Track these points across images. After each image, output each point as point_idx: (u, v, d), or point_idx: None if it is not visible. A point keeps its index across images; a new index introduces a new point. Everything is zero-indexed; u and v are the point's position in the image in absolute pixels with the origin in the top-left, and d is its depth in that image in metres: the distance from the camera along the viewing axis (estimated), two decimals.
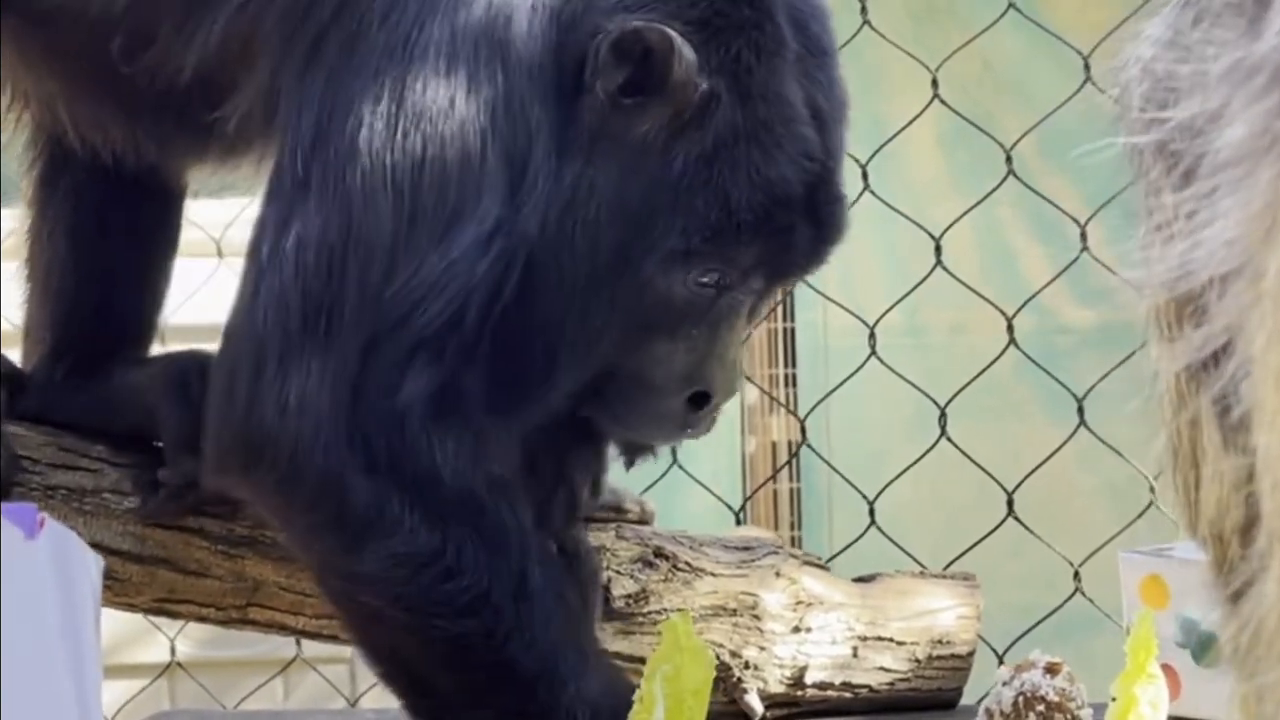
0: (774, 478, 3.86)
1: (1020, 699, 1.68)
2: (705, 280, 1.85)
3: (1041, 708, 1.68)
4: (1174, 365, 0.79)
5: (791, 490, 4.14)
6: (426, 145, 1.78)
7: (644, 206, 1.82)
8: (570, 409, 1.90)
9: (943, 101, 2.61)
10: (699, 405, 1.89)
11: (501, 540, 1.78)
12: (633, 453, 2.02)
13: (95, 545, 1.99)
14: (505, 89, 1.80)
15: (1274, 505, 0.71)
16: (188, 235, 2.34)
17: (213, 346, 2.30)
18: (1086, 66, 2.52)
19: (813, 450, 2.78)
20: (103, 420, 2.10)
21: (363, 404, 1.76)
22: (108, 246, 2.20)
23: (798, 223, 1.87)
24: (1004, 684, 1.70)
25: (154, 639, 3.19)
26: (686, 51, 1.80)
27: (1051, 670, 1.69)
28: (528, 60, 1.81)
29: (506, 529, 1.79)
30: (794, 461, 4.01)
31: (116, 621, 2.66)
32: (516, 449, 1.87)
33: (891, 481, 2.65)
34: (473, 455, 1.79)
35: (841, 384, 2.74)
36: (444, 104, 1.78)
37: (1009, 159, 2.60)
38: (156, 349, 2.33)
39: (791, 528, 4.16)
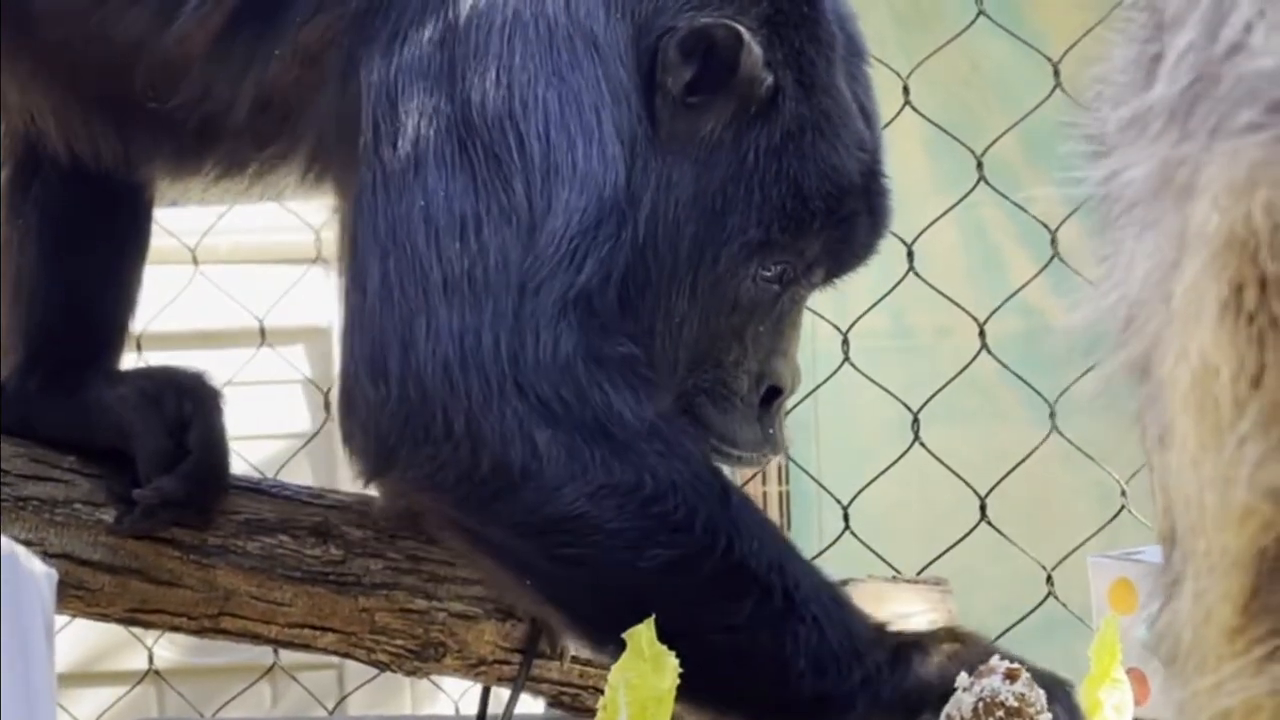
0: (757, 479, 3.85)
1: (980, 705, 1.68)
2: (769, 276, 1.90)
3: (1001, 713, 1.68)
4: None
5: (781, 493, 4.14)
6: (548, 110, 1.79)
7: (719, 201, 1.87)
8: None
9: (914, 109, 2.61)
10: (768, 402, 1.93)
11: (694, 461, 1.75)
12: None
13: (66, 556, 2.01)
14: (605, 72, 1.83)
15: (1185, 524, 0.73)
16: (165, 243, 2.35)
17: (190, 354, 2.32)
18: (1056, 73, 2.52)
19: (790, 459, 2.78)
20: (77, 436, 2.11)
21: (526, 357, 1.71)
22: (79, 254, 2.20)
23: (860, 211, 1.93)
24: (964, 690, 1.70)
25: (139, 646, 3.20)
26: (754, 46, 1.85)
27: (1010, 676, 1.70)
28: (616, 49, 1.85)
29: (693, 453, 1.76)
30: (783, 464, 4.01)
31: (99, 629, 2.67)
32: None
33: (866, 486, 2.65)
34: (647, 392, 1.77)
35: (817, 388, 2.74)
36: (554, 71, 1.80)
37: (979, 165, 2.60)
38: (133, 358, 2.33)
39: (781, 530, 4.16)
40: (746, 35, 1.85)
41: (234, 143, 2.00)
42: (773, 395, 1.93)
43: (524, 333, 1.71)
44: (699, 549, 1.71)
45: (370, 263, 1.77)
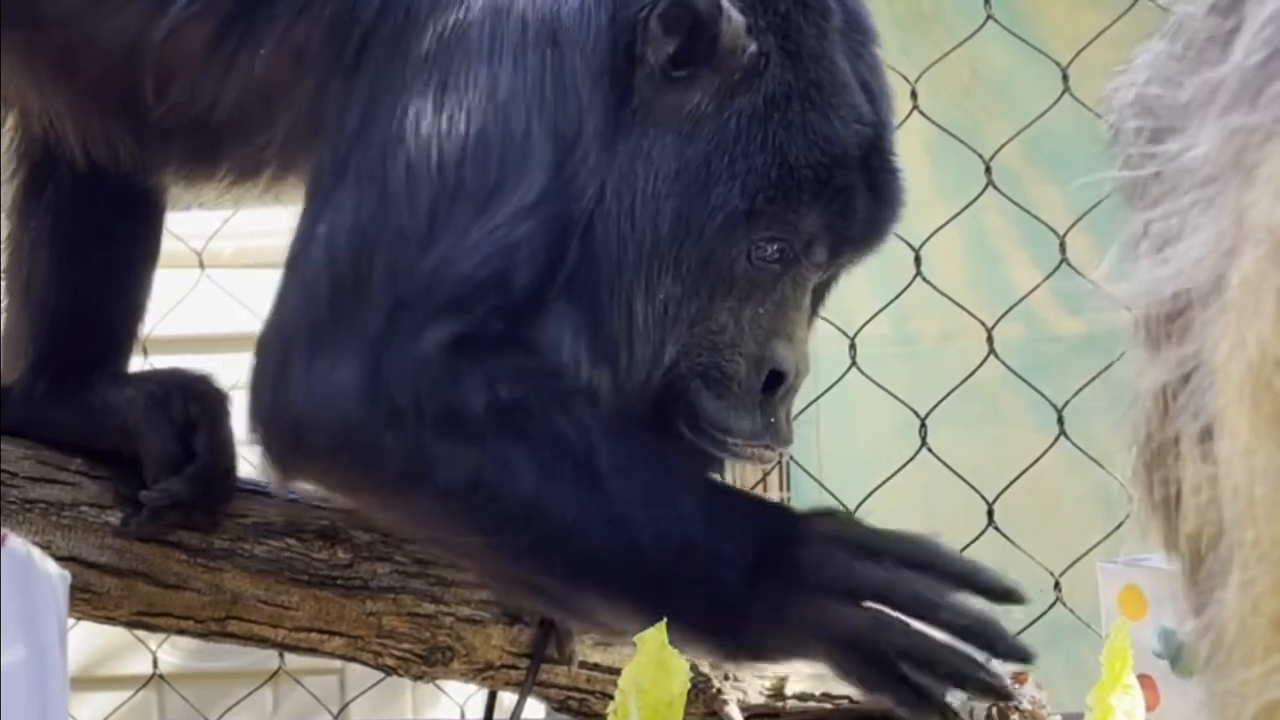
0: (761, 485, 3.83)
1: (994, 709, 1.68)
2: (769, 254, 1.86)
3: (1016, 717, 1.68)
4: (1159, 378, 0.80)
5: (782, 499, 4.13)
6: (471, 126, 1.79)
7: (702, 171, 1.83)
8: (651, 416, 1.88)
9: (922, 113, 2.61)
10: (773, 388, 1.87)
11: (554, 441, 1.77)
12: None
13: (73, 559, 2.00)
14: (555, 65, 1.82)
15: (1234, 512, 0.72)
16: (170, 247, 2.35)
17: (195, 359, 2.32)
18: (1065, 77, 2.52)
19: (795, 462, 2.78)
20: (84, 438, 2.10)
21: (384, 364, 1.77)
22: (89, 258, 2.20)
23: (856, 185, 1.87)
24: (970, 697, 1.69)
25: (141, 650, 3.19)
26: (734, 14, 1.83)
27: (1019, 680, 1.69)
28: (580, 36, 1.83)
29: (557, 429, 1.77)
30: (784, 470, 4.00)
31: (102, 633, 2.66)
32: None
33: (872, 493, 2.65)
34: (508, 375, 1.77)
35: (822, 395, 2.74)
36: (490, 86, 1.80)
37: (988, 169, 2.60)
38: (138, 361, 2.33)
39: None
40: (726, 4, 1.83)
41: (241, 147, 2.01)
42: (776, 381, 1.88)
43: (388, 341, 1.77)
44: (553, 534, 1.77)
45: (284, 272, 1.86)
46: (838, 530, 1.80)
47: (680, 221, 1.83)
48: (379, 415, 1.76)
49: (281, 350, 1.81)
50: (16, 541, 1.22)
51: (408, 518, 1.89)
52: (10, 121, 2.20)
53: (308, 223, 1.85)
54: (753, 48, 1.84)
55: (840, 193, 1.86)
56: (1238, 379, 0.70)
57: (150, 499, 2.03)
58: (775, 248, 1.86)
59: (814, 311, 2.02)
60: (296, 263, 1.84)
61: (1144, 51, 0.84)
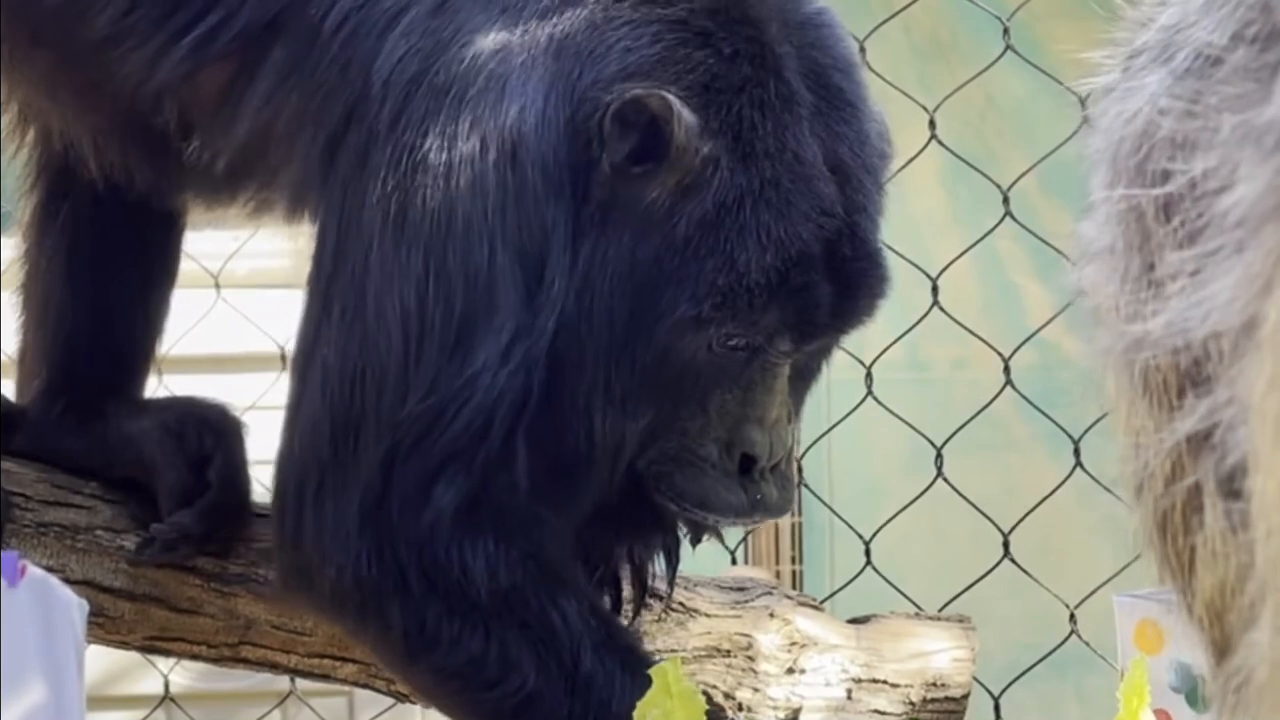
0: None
1: None
2: (732, 344, 1.82)
3: None
4: (1174, 435, 0.78)
5: (792, 524, 4.13)
6: (430, 260, 1.79)
7: (650, 274, 1.80)
8: (632, 496, 1.87)
9: (940, 143, 2.60)
10: (747, 469, 1.85)
11: (549, 635, 1.79)
12: (698, 531, 1.99)
13: (87, 583, 2.00)
14: (516, 188, 1.80)
15: (1268, 554, 0.71)
16: (186, 267, 2.34)
17: (210, 379, 2.32)
18: (1084, 106, 2.51)
19: (809, 490, 2.77)
20: (99, 465, 2.10)
21: (390, 522, 1.78)
22: (107, 279, 2.20)
23: (817, 281, 1.83)
24: None
25: (151, 670, 3.18)
26: (686, 115, 1.79)
27: None
28: (542, 152, 1.80)
29: (553, 624, 1.80)
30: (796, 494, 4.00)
31: (112, 653, 2.65)
32: (570, 538, 1.87)
33: (887, 522, 2.64)
34: (515, 557, 1.80)
35: (838, 423, 2.74)
36: (448, 215, 1.79)
37: (1006, 199, 2.60)
38: (153, 382, 2.32)
39: (792, 562, 4.15)
40: (678, 105, 1.78)
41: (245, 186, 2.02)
42: (749, 464, 1.85)
43: (391, 496, 1.79)
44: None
45: (292, 398, 1.87)
46: None
47: (632, 322, 1.81)
48: (386, 580, 1.79)
49: (296, 483, 1.83)
50: (37, 571, 1.22)
51: (403, 680, 1.95)
52: (32, 136, 2.20)
53: (307, 347, 1.86)
54: (705, 149, 1.80)
55: (798, 291, 1.82)
56: (1274, 416, 0.68)
57: (161, 532, 2.02)
58: (736, 340, 1.83)
59: (813, 377, 2.00)
60: (301, 390, 1.85)
61: (1151, 81, 0.82)
